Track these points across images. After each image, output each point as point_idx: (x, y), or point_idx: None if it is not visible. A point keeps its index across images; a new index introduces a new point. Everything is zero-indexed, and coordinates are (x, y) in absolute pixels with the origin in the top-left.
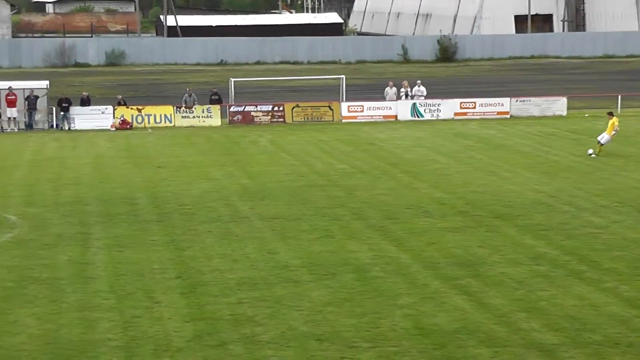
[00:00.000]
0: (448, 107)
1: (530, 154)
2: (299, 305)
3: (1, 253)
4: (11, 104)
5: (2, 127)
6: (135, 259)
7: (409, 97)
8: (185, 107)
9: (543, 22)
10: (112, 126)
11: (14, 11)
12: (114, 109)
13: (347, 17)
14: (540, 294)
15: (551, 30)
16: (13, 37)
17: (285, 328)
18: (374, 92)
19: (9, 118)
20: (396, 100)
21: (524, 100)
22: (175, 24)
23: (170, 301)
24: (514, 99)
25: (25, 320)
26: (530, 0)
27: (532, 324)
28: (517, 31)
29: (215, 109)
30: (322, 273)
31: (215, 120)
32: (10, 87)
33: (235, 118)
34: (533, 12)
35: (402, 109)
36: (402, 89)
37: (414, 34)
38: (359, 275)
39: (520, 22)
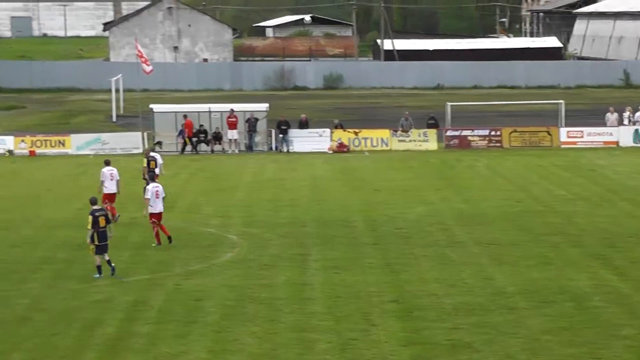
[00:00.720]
0: None
1: None
2: (517, 333)
3: (222, 272)
4: (232, 126)
5: (223, 149)
6: (352, 281)
7: (632, 123)
8: (402, 131)
9: None
10: (329, 149)
11: (236, 35)
12: (331, 132)
13: (566, 41)
14: None
15: None
16: (234, 60)
17: (502, 355)
18: (594, 117)
19: (230, 140)
20: (617, 126)
21: None
22: (392, 48)
23: (387, 324)
24: None
25: (245, 339)
26: None
27: None
28: None
29: (432, 133)
30: (540, 300)
31: (432, 144)
32: (231, 109)
33: (451, 142)
34: None
35: (624, 135)
36: (625, 114)
37: (636, 58)
38: (577, 304)
39: None
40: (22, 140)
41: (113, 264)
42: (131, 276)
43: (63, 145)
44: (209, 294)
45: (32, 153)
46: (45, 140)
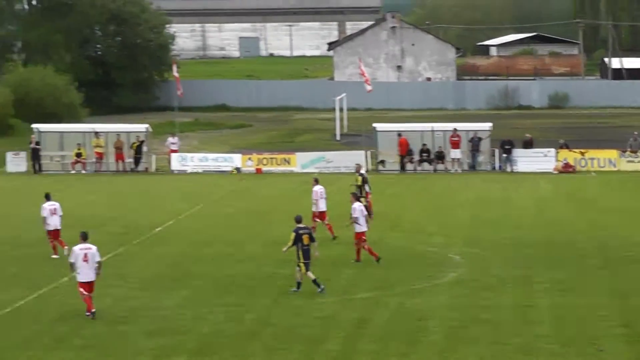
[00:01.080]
0: None
1: None
2: None
3: (445, 292)
4: (455, 145)
5: (446, 168)
6: (578, 304)
7: None
8: (631, 152)
9: None
10: (554, 169)
11: (459, 54)
12: (557, 152)
13: None
14: None
15: None
16: (457, 79)
17: None
18: None
19: (453, 159)
20: None
21: None
22: (620, 67)
23: (616, 349)
24: None
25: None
26: None
27: None
28: None
29: None
30: None
31: None
32: (455, 128)
33: None
34: None
35: None
36: None
37: None
38: None
39: None
40: (249, 158)
41: (318, 282)
42: (354, 294)
43: (288, 163)
44: (432, 314)
45: (258, 171)
46: (271, 158)
